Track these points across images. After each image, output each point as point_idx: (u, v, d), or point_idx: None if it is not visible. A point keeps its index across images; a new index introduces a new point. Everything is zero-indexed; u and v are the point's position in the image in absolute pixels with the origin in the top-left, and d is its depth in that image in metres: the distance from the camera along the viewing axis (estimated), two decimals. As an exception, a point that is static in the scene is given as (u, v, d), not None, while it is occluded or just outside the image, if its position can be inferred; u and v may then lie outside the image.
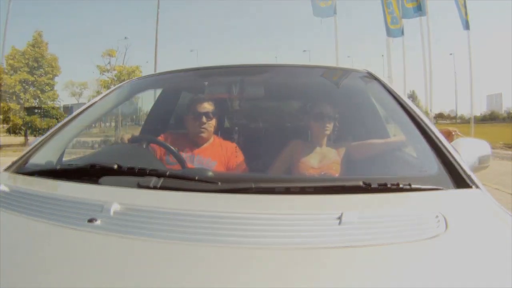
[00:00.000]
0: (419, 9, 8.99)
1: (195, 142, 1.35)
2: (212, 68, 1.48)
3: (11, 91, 16.24)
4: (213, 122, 1.35)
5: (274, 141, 1.42)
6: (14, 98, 16.40)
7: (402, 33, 9.62)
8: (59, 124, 1.21)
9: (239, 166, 1.27)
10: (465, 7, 9.14)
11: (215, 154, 1.31)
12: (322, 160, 1.28)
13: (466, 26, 9.38)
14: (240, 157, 1.30)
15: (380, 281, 0.47)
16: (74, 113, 1.27)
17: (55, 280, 0.48)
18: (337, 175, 1.21)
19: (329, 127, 1.29)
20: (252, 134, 1.62)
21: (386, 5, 9.56)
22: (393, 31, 9.67)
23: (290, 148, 1.30)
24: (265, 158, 1.32)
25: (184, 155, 1.20)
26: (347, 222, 0.58)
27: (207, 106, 1.34)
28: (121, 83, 1.47)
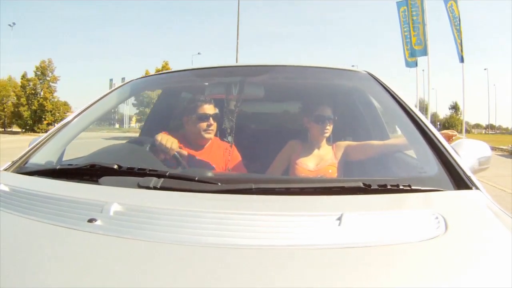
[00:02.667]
0: (425, 50, 12.00)
1: (195, 143, 1.34)
2: (212, 69, 1.48)
3: (152, 101, 23.32)
4: (216, 124, 1.35)
5: (273, 142, 1.41)
6: (151, 106, 25.74)
7: (416, 64, 13.03)
8: (60, 124, 1.21)
9: (238, 167, 1.27)
10: (461, 44, 11.93)
11: (214, 155, 1.31)
12: (319, 162, 1.27)
13: (461, 59, 12.12)
14: (238, 158, 1.29)
15: (380, 282, 0.47)
16: (75, 113, 1.27)
17: (54, 280, 0.48)
18: (334, 177, 1.21)
19: (329, 129, 1.29)
20: (251, 135, 1.62)
21: (406, 43, 12.63)
22: (410, 63, 12.98)
23: (287, 148, 1.30)
24: (264, 159, 1.32)
25: (183, 156, 1.20)
26: (347, 223, 0.58)
27: (213, 108, 1.34)
28: (122, 83, 1.47)
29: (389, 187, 0.73)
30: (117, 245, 0.55)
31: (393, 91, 1.12)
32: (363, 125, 1.57)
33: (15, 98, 27.73)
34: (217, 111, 1.34)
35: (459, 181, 0.77)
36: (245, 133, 1.49)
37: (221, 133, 1.46)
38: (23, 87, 27.40)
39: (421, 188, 0.74)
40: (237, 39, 14.54)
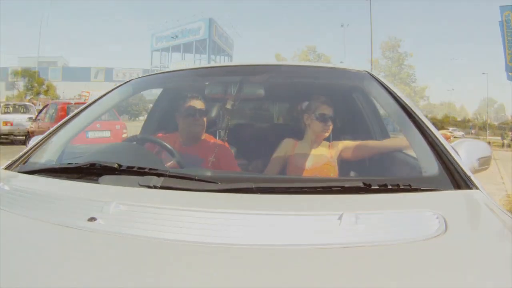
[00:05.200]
0: (518, 67, 13.30)
1: (187, 141, 1.35)
2: (213, 68, 1.48)
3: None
4: (205, 120, 1.36)
5: (270, 141, 1.42)
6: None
7: (518, 77, 14.54)
8: (60, 123, 1.21)
9: (233, 166, 1.27)
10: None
11: (208, 153, 1.31)
12: (316, 161, 1.27)
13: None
14: (233, 157, 1.30)
15: (380, 281, 0.47)
16: (75, 112, 1.27)
17: (55, 279, 0.48)
18: (335, 177, 1.21)
19: (329, 128, 1.29)
20: (249, 133, 1.63)
21: (507, 59, 13.53)
22: (511, 76, 13.88)
23: (283, 146, 1.30)
24: (260, 157, 1.32)
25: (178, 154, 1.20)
26: (347, 222, 0.59)
27: (200, 104, 1.35)
28: (122, 83, 1.47)
29: (389, 186, 0.73)
30: (117, 244, 0.56)
31: (393, 91, 1.12)
32: (363, 125, 1.57)
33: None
34: (204, 106, 1.34)
35: (459, 181, 0.77)
36: (242, 132, 1.49)
37: (220, 132, 1.47)
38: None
39: (421, 187, 0.74)
40: (371, 45, 15.34)
